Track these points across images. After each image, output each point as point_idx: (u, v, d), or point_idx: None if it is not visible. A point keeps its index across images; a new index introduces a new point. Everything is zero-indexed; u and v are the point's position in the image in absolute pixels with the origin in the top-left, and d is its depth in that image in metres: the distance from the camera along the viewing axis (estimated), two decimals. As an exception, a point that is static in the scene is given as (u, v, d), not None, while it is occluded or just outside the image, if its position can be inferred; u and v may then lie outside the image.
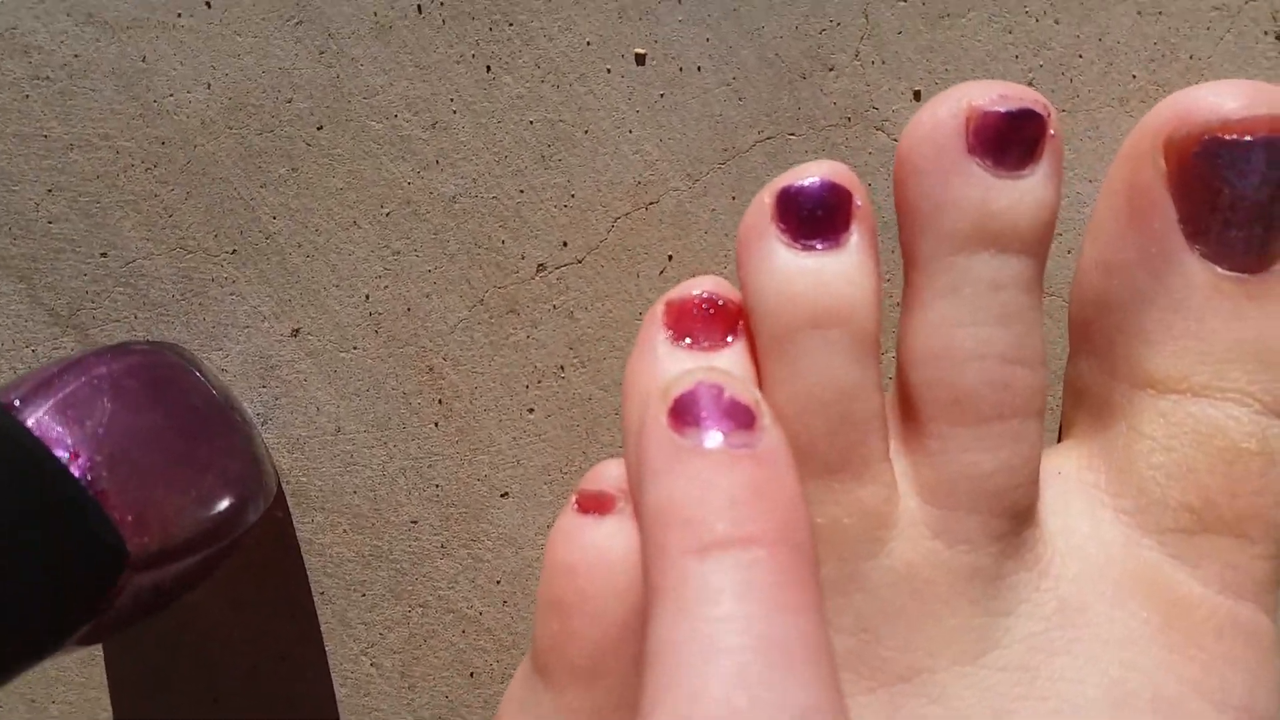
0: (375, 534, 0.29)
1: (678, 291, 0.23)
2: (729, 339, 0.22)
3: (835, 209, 0.22)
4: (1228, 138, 0.21)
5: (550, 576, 0.24)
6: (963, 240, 0.21)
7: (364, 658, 0.29)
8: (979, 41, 0.26)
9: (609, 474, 0.25)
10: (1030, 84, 0.26)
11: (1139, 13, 0.26)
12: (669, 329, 0.23)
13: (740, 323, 0.22)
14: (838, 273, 0.21)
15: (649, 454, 0.19)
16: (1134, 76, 0.26)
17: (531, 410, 0.29)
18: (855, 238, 0.22)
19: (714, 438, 0.18)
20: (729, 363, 0.22)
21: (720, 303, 0.22)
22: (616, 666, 0.23)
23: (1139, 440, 0.23)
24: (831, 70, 0.27)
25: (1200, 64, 0.26)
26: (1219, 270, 0.22)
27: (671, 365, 0.22)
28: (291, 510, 0.29)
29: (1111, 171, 0.23)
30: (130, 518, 0.24)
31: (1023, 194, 0.21)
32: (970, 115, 0.21)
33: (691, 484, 0.18)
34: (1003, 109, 0.21)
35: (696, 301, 0.23)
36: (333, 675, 0.29)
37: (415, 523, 0.29)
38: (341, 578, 0.29)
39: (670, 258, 0.28)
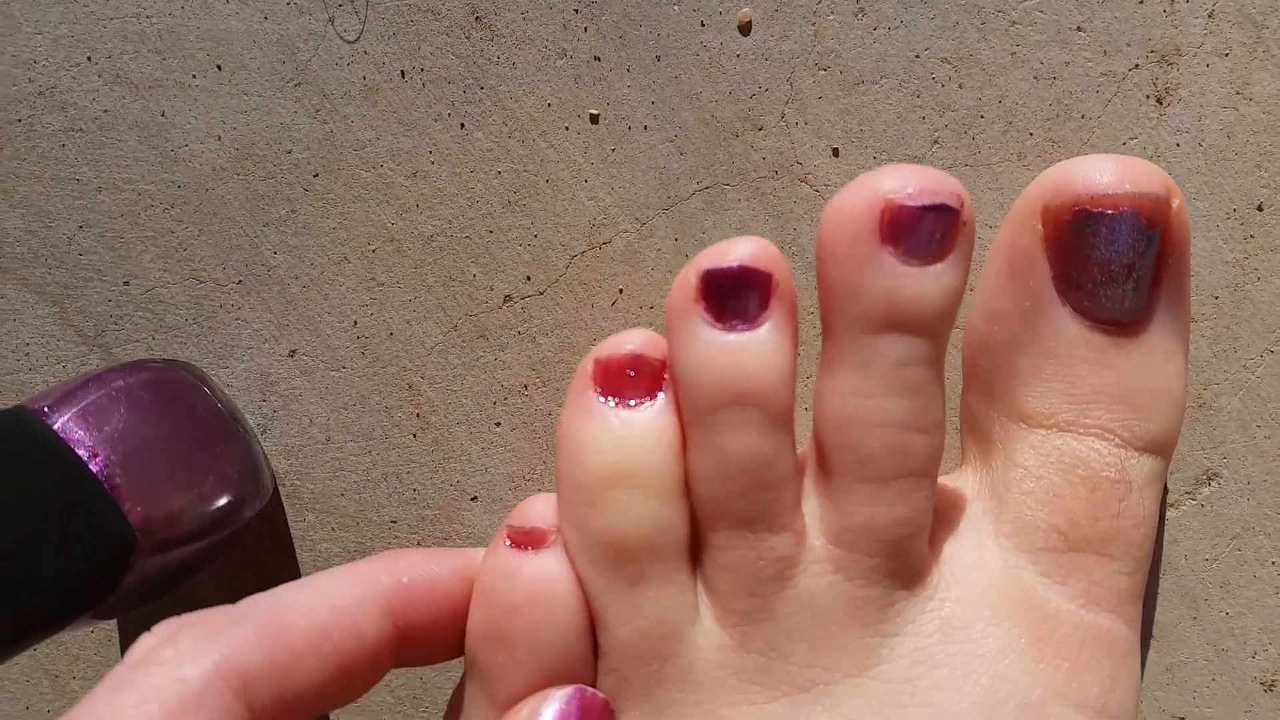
0: (360, 532, 0.33)
1: (607, 348, 0.24)
2: (651, 398, 0.24)
3: (755, 290, 0.23)
4: (1096, 209, 0.25)
5: (491, 614, 0.24)
6: (872, 323, 0.23)
7: (346, 642, 0.33)
8: (890, 105, 0.30)
9: (536, 510, 0.25)
10: (935, 142, 0.30)
11: (1035, 77, 0.30)
12: (597, 384, 0.24)
13: (665, 378, 0.24)
14: (756, 355, 0.23)
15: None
16: (1031, 134, 0.30)
17: (498, 424, 0.32)
18: (773, 317, 0.23)
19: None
20: (650, 420, 0.24)
21: (645, 362, 0.24)
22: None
23: (1013, 469, 0.26)
24: (760, 129, 0.30)
25: (1090, 123, 0.30)
26: (1088, 322, 0.25)
27: (599, 420, 0.24)
28: (286, 510, 0.33)
29: (999, 231, 0.26)
30: (140, 509, 0.28)
31: (930, 282, 0.23)
32: (885, 208, 0.22)
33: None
34: (915, 204, 0.22)
35: (623, 361, 0.24)
36: (319, 657, 0.33)
37: (395, 522, 0.33)
38: (329, 571, 0.33)
39: (621, 291, 0.31)
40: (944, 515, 0.26)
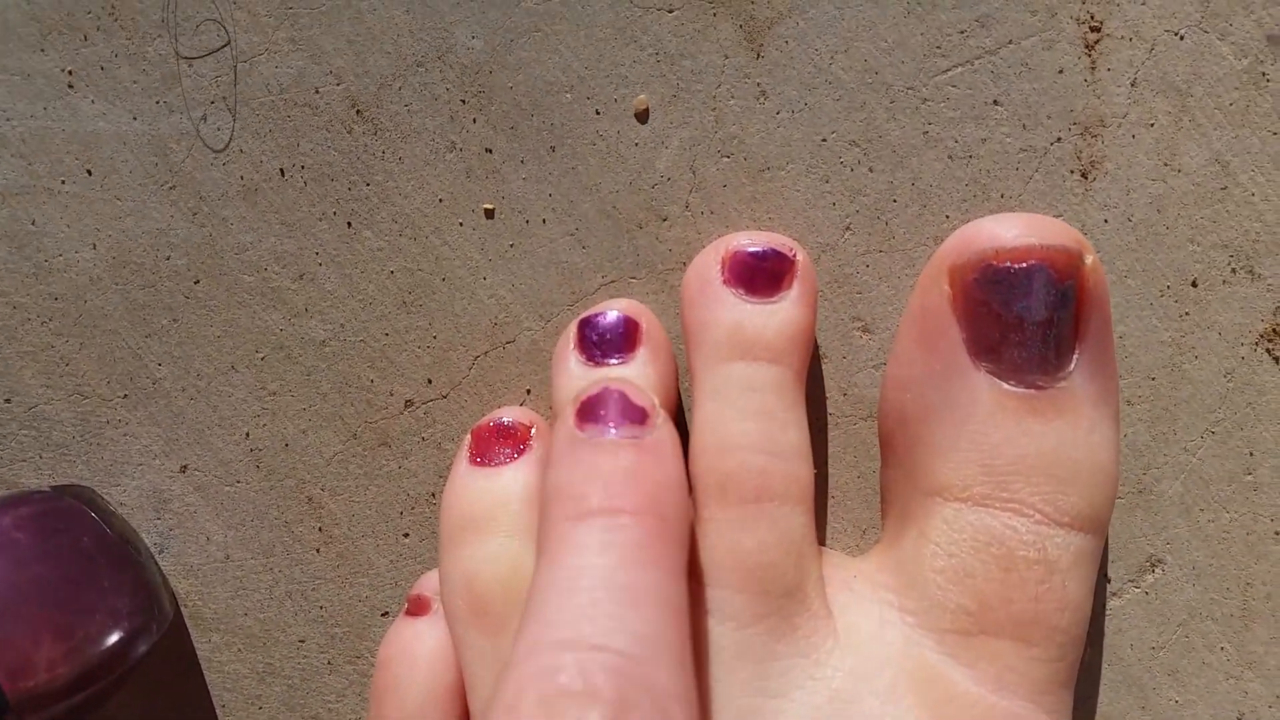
0: (267, 652, 0.31)
1: (483, 420, 0.28)
2: (516, 455, 0.27)
3: (624, 334, 0.26)
4: (1003, 265, 0.23)
5: (375, 670, 0.28)
6: (722, 351, 0.25)
7: (258, 769, 0.31)
8: (798, 191, 0.28)
9: (431, 583, 0.28)
10: (847, 229, 0.28)
11: (950, 157, 0.28)
12: (470, 451, 0.27)
13: (528, 442, 0.27)
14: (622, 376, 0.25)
15: (554, 450, 0.23)
16: (948, 217, 0.28)
17: (407, 535, 0.31)
18: (641, 354, 0.26)
19: (609, 431, 0.23)
20: (510, 472, 0.26)
21: (512, 429, 0.27)
22: None
23: (926, 545, 0.24)
24: (665, 220, 0.29)
25: (1011, 202, 0.28)
26: (1005, 386, 0.24)
27: (471, 485, 0.26)
28: (190, 631, 0.31)
29: (909, 298, 0.25)
30: (14, 665, 0.26)
31: (771, 315, 0.25)
32: (726, 256, 0.26)
33: (577, 467, 0.23)
34: (751, 250, 0.26)
35: (493, 430, 0.27)
36: (231, 785, 0.32)
37: (303, 641, 0.31)
38: (239, 692, 0.31)
39: (529, 391, 0.30)
40: (849, 586, 0.25)
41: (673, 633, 0.21)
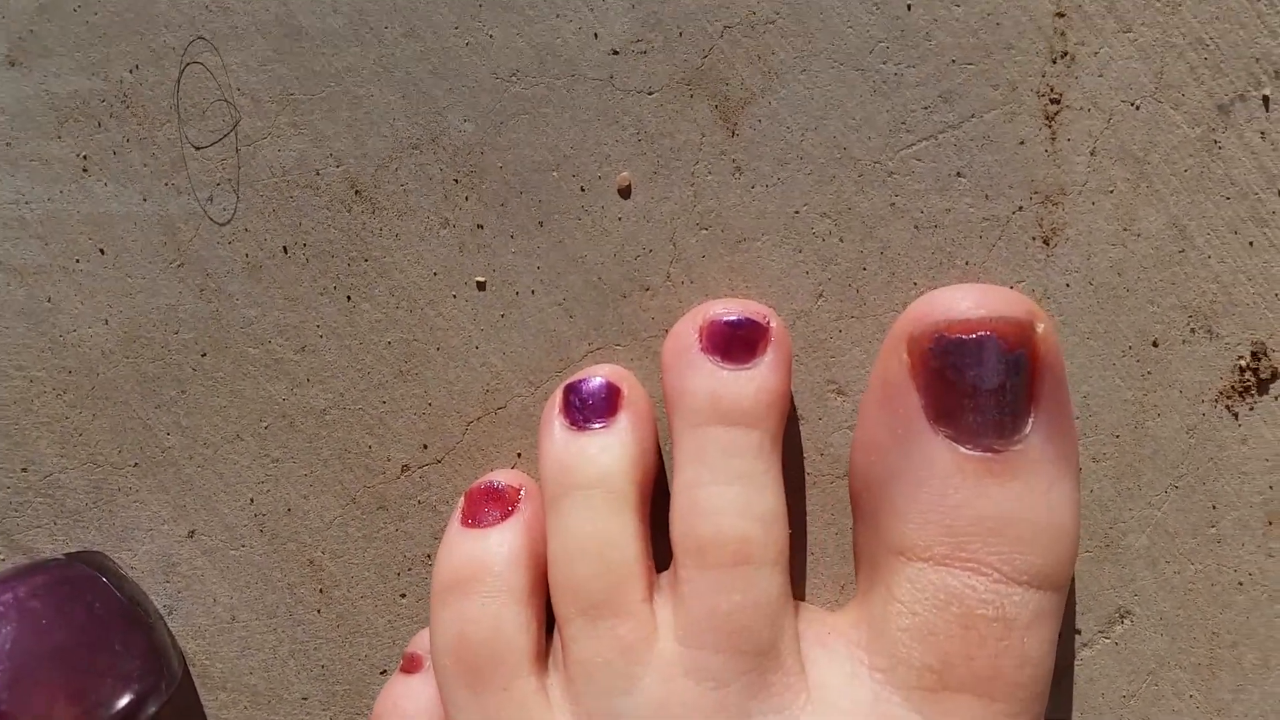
0: (271, 709, 0.32)
1: (475, 484, 0.29)
2: (503, 518, 0.28)
3: (606, 399, 0.27)
4: (954, 336, 0.24)
5: None
6: (700, 417, 0.26)
7: (263, 825, 0.32)
8: (774, 260, 0.30)
9: (424, 641, 0.29)
10: (820, 295, 0.29)
11: (916, 227, 0.29)
12: (462, 513, 0.28)
13: (515, 504, 0.28)
14: (602, 447, 0.27)
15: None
16: (915, 284, 0.29)
17: (404, 595, 0.32)
18: (623, 418, 0.27)
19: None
20: (498, 534, 0.27)
21: (500, 491, 0.28)
22: None
23: (891, 603, 0.25)
24: (648, 290, 0.30)
25: (976, 269, 0.29)
26: (962, 450, 0.25)
27: (460, 545, 0.27)
28: (199, 689, 0.33)
29: (873, 367, 0.27)
30: (30, 729, 0.27)
31: (747, 381, 0.26)
32: (703, 324, 0.27)
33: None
34: (726, 318, 0.26)
35: (483, 493, 0.28)
36: (236, 841, 0.33)
37: (306, 699, 0.32)
38: (245, 749, 0.33)
39: (519, 455, 0.31)
40: (823, 642, 0.26)
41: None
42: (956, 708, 0.24)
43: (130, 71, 0.31)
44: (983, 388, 0.24)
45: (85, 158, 0.31)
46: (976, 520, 0.24)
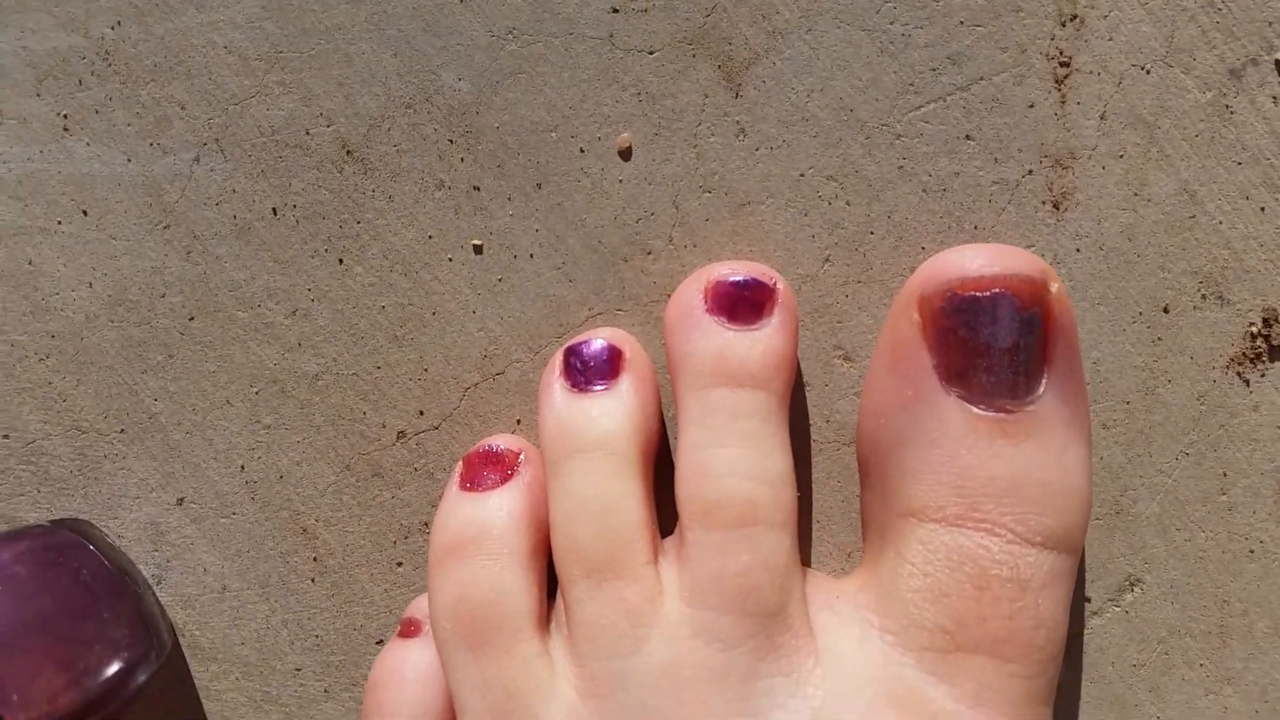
0: (264, 680, 0.32)
1: (473, 448, 0.28)
2: (502, 481, 0.27)
3: (609, 362, 0.27)
4: (968, 293, 0.24)
5: (365, 693, 0.28)
6: (706, 379, 0.26)
7: (256, 797, 0.32)
8: (779, 224, 0.29)
9: (423, 606, 0.29)
10: (826, 260, 0.29)
11: (924, 190, 0.29)
12: (460, 477, 0.28)
13: (515, 468, 0.28)
14: (604, 409, 0.26)
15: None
16: (923, 248, 0.29)
17: (400, 564, 0.31)
18: (625, 381, 0.27)
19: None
20: (498, 496, 0.27)
21: (499, 455, 0.28)
22: None
23: (902, 565, 0.25)
24: (649, 254, 0.29)
25: (984, 233, 0.29)
26: (975, 410, 0.24)
27: (459, 509, 0.27)
28: (189, 660, 0.32)
29: (881, 330, 0.26)
30: (15, 697, 0.26)
31: (754, 342, 0.26)
32: (709, 285, 0.26)
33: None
34: (732, 279, 0.26)
35: (481, 454, 0.28)
36: (229, 813, 0.32)
37: (299, 670, 0.32)
38: (237, 721, 0.32)
39: (519, 421, 0.30)
40: (830, 606, 0.26)
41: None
42: (970, 668, 0.24)
43: (112, 28, 0.30)
44: (996, 346, 0.24)
45: (66, 116, 0.30)
46: (989, 481, 0.24)
